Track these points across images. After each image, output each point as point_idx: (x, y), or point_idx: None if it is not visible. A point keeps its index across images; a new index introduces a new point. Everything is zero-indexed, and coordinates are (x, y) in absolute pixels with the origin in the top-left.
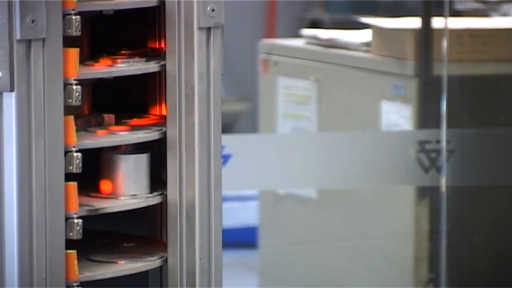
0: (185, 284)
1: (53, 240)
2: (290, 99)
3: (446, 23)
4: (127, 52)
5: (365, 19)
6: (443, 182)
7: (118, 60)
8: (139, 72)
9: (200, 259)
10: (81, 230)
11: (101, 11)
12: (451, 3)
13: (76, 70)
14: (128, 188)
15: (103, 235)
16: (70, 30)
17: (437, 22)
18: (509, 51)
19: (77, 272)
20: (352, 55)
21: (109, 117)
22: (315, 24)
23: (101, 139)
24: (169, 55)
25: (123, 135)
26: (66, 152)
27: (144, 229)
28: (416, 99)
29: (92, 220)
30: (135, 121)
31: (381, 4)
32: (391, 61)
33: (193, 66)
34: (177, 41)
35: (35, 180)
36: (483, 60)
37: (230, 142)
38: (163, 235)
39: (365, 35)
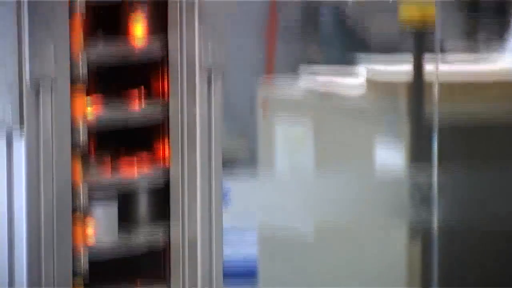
0: None
1: (61, 271)
2: (288, 136)
3: (437, 67)
4: (132, 95)
5: (359, 65)
6: (435, 218)
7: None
8: (143, 113)
9: None
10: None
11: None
12: (442, 48)
13: (83, 113)
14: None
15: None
16: (78, 73)
17: (428, 67)
18: (500, 92)
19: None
20: (347, 99)
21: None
22: (311, 69)
23: (107, 178)
24: (172, 96)
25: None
26: (73, 190)
27: (148, 264)
28: (408, 139)
29: None
30: (140, 158)
31: (376, 48)
32: (384, 104)
33: (195, 106)
34: (179, 82)
35: (44, 218)
36: (473, 104)
37: (229, 177)
38: (167, 269)
39: (359, 80)
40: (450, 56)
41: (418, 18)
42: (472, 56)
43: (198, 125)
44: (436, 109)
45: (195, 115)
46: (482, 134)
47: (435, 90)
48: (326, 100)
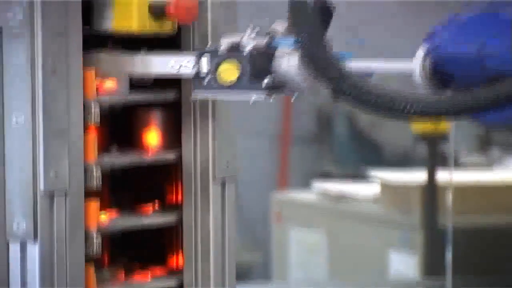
0: None
1: None
2: (302, 248)
3: (451, 176)
4: (145, 204)
5: (373, 173)
6: None
7: (138, 213)
8: (157, 224)
9: None
10: None
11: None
12: (455, 157)
13: (97, 221)
14: None
15: None
16: (91, 183)
17: (442, 176)
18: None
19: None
20: (361, 207)
21: (127, 266)
22: (325, 178)
23: (120, 285)
24: (186, 207)
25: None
26: None
27: None
28: (422, 248)
29: None
30: (154, 270)
31: (389, 158)
32: (398, 213)
33: (208, 217)
34: (193, 193)
35: None
36: (487, 212)
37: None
38: None
39: (373, 188)
40: (463, 166)
41: (431, 129)
42: (485, 165)
43: (212, 234)
44: (450, 218)
45: (208, 224)
46: (497, 246)
47: (449, 199)
48: (340, 207)
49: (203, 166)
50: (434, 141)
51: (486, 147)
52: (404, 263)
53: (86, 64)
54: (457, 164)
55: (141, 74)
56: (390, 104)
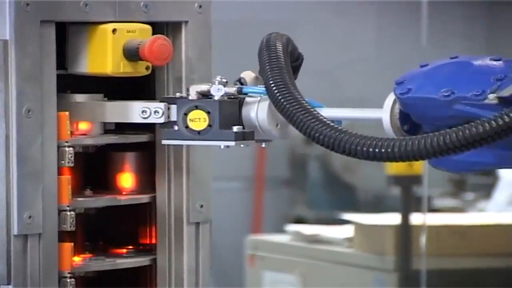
0: None
1: None
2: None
3: (424, 219)
4: (120, 246)
5: (347, 216)
6: None
7: (112, 254)
8: (131, 266)
9: None
10: None
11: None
12: (429, 199)
13: (70, 264)
14: None
15: None
16: (65, 226)
17: (416, 218)
18: (486, 245)
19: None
20: (335, 250)
21: None
22: (299, 220)
23: None
24: (160, 249)
25: None
26: None
27: None
28: None
29: None
30: None
31: (363, 201)
32: (372, 256)
33: (182, 259)
34: (167, 236)
35: None
36: (461, 254)
37: None
38: None
39: (347, 231)
40: (437, 208)
41: (405, 170)
42: (459, 207)
43: (186, 276)
44: (424, 261)
45: (182, 266)
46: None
47: (423, 242)
48: (314, 249)
49: (177, 209)
50: (408, 184)
51: (460, 190)
52: None
53: (60, 106)
54: (431, 207)
55: (111, 121)
56: (361, 148)
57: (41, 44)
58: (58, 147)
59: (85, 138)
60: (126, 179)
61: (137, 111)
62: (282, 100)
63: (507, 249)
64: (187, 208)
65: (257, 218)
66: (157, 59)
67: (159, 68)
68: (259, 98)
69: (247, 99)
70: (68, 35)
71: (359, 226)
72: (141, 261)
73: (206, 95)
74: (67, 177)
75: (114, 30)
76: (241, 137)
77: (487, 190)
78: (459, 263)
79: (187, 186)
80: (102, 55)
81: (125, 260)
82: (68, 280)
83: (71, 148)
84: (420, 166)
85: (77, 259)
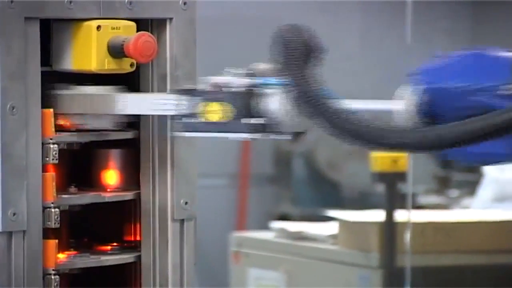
0: None
1: None
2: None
3: (409, 216)
4: (104, 243)
5: (331, 213)
6: None
7: (96, 251)
8: (116, 263)
9: None
10: None
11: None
12: (414, 196)
13: (55, 261)
14: None
15: None
16: (49, 223)
17: (401, 215)
18: (471, 242)
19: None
20: (319, 247)
21: None
22: (284, 217)
23: None
24: (144, 246)
25: None
26: None
27: None
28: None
29: None
30: None
31: (347, 198)
32: (357, 253)
33: (167, 256)
34: (151, 233)
35: None
36: (445, 251)
37: None
38: None
39: (331, 228)
40: (422, 205)
41: (390, 168)
42: (444, 204)
43: (170, 273)
44: (408, 258)
45: (167, 263)
46: (454, 285)
47: (407, 239)
48: (299, 246)
49: (161, 206)
50: (392, 181)
51: (445, 187)
52: None
53: (45, 103)
54: (416, 204)
55: (117, 114)
56: (383, 139)
57: (25, 41)
58: (43, 144)
59: (69, 135)
60: (111, 176)
61: (148, 103)
62: (302, 92)
63: (492, 246)
64: (171, 205)
65: (241, 215)
66: (142, 56)
67: (144, 65)
68: (277, 90)
69: (265, 90)
70: (52, 32)
71: (343, 223)
72: (126, 258)
73: (221, 86)
74: (51, 174)
75: (98, 27)
76: (259, 129)
77: (471, 187)
78: (444, 260)
79: (172, 183)
80: (87, 52)
81: (110, 257)
82: (53, 277)
83: (55, 145)
84: (405, 163)
85: (61, 256)
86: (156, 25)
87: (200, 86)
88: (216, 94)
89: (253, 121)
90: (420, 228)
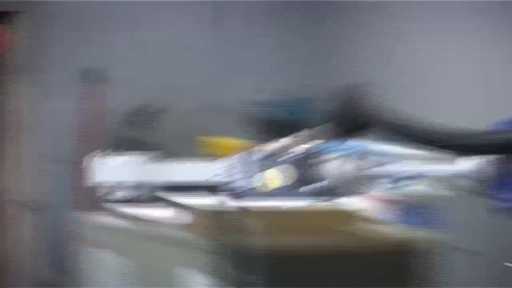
0: None
1: None
2: (98, 269)
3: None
4: None
5: (167, 196)
6: None
7: None
8: None
9: None
10: None
11: None
12: None
13: None
14: None
15: None
16: None
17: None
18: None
19: None
20: (159, 230)
21: None
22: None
23: None
24: None
25: None
26: None
27: None
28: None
29: None
30: None
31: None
32: (192, 235)
33: (6, 240)
34: None
35: None
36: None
37: None
38: None
39: (170, 212)
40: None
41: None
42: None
43: (15, 259)
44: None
45: (6, 247)
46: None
47: (251, 223)
48: (134, 229)
49: (2, 190)
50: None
51: None
52: (195, 282)
53: None
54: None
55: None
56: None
57: None
58: None
59: None
60: None
61: (200, 172)
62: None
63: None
64: (14, 189)
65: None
66: None
67: None
68: (337, 155)
69: (324, 156)
70: None
71: (183, 207)
72: None
73: (274, 154)
74: None
75: None
76: (322, 193)
77: None
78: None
79: (15, 168)
80: None
81: None
82: None
83: None
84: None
85: None
86: (8, 17)
87: (257, 153)
88: (274, 161)
89: (314, 186)
90: (261, 213)
